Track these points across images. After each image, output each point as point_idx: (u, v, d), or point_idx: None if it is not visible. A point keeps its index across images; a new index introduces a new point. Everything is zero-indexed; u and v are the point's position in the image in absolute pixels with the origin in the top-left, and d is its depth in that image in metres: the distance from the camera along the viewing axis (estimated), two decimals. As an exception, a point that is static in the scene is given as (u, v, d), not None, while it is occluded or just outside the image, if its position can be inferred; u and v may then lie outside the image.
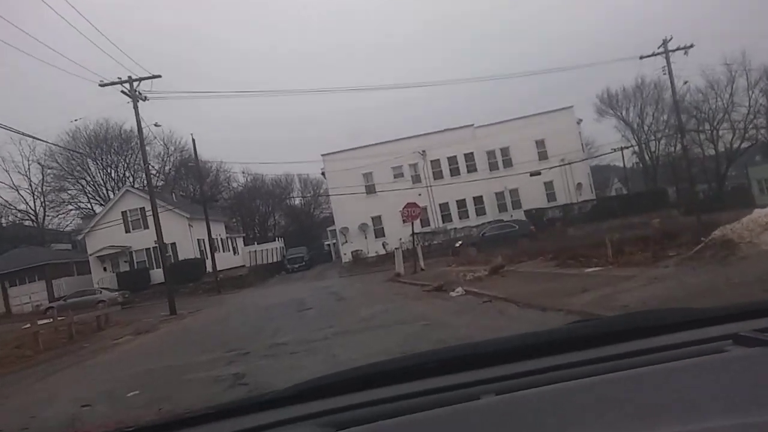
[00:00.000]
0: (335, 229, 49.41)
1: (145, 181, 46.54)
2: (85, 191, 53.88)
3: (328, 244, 59.59)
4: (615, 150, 54.20)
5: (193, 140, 35.54)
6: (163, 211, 39.91)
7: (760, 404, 0.92)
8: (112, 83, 23.92)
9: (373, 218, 41.61)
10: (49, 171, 51.91)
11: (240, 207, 74.40)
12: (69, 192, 53.83)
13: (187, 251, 40.77)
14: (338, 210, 41.66)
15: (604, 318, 1.67)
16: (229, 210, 75.88)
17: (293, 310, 18.19)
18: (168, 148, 57.41)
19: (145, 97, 24.75)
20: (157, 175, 56.81)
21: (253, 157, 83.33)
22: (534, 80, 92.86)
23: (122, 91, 24.12)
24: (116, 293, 36.22)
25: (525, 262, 20.39)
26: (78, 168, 52.65)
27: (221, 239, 47.75)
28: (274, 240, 59.43)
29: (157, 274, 40.59)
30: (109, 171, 54.28)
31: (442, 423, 1.02)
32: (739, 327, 1.27)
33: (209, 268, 42.07)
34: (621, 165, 57.98)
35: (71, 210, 54.90)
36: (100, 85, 23.97)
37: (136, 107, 24.35)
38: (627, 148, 55.34)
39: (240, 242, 53.94)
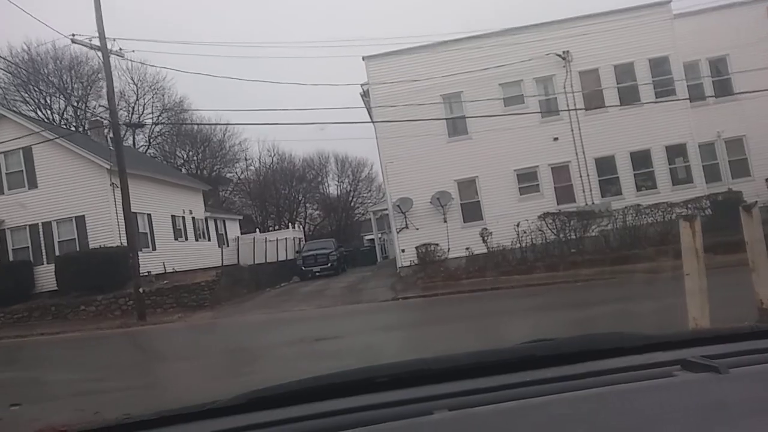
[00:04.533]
0: (387, 209, 29.53)
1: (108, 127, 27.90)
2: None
3: (371, 239, 39.73)
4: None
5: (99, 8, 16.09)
6: (40, 141, 20.77)
7: (707, 427, 0.98)
8: None
9: (459, 183, 21.39)
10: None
11: (262, 188, 56.22)
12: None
13: (108, 233, 21.58)
14: (392, 167, 21.64)
15: (557, 339, 1.45)
16: (245, 193, 57.76)
17: None
18: (137, 86, 39.18)
19: None
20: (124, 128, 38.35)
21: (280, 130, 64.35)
22: None
23: None
24: None
25: None
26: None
27: (193, 219, 28.49)
28: (288, 227, 39.80)
29: (48, 275, 21.63)
30: (43, 108, 36.07)
31: None
32: (687, 353, 1.27)
33: (151, 266, 22.84)
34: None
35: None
36: None
37: None
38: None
39: (233, 227, 34.59)
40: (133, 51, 18.20)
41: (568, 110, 20.35)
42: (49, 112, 36.78)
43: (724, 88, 22.31)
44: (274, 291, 24.45)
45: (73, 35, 16.24)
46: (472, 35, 21.43)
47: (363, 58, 21.41)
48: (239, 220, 37.28)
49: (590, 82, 20.97)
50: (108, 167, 21.17)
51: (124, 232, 21.38)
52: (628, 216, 19.14)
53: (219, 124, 43.50)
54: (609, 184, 20.90)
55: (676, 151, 20.76)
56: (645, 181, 20.80)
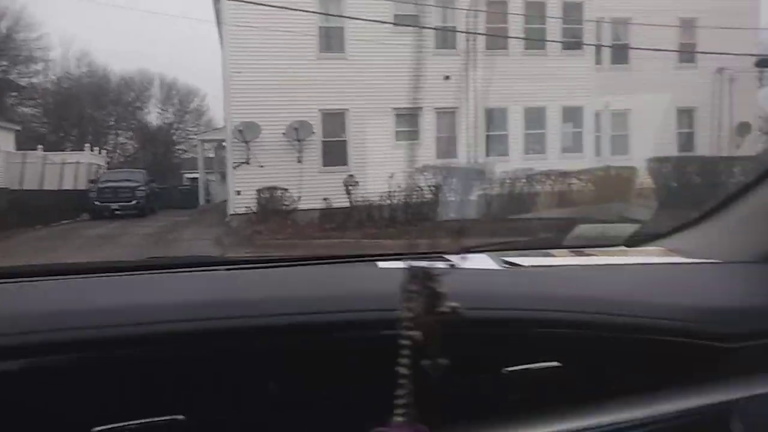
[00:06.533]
0: (216, 141, 23.89)
1: None
2: None
3: (194, 177, 33.15)
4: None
5: None
6: None
7: None
8: None
9: (324, 115, 16.56)
10: None
11: (63, 104, 45.24)
12: None
13: None
14: (239, 79, 15.95)
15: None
16: (39, 104, 46.21)
17: None
18: None
19: None
20: None
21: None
22: None
23: None
24: None
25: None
26: None
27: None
28: (83, 149, 31.29)
29: None
30: None
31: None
32: None
33: None
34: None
35: None
36: None
37: None
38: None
39: (6, 139, 25.72)
40: None
41: (468, 36, 16.49)
42: None
43: (619, 55, 20.37)
44: (47, 230, 17.52)
45: None
46: None
47: None
48: (16, 131, 28.17)
49: (497, 16, 17.37)
50: None
51: None
52: (517, 182, 16.08)
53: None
54: (496, 143, 17.72)
55: (571, 115, 18.21)
56: (534, 143, 17.98)
